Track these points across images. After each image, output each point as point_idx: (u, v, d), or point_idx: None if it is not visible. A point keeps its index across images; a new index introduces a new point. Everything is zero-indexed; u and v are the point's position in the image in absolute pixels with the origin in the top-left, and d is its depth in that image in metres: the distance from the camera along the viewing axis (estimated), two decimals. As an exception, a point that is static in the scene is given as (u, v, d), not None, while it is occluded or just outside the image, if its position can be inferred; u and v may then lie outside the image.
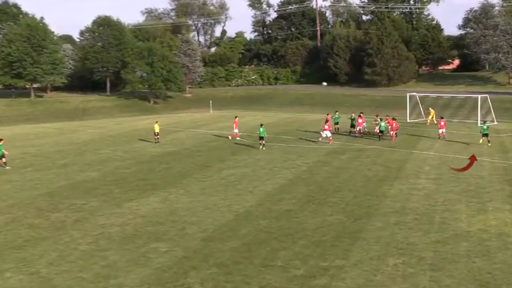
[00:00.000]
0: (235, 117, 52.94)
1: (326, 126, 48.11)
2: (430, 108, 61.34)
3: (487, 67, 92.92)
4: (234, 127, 51.88)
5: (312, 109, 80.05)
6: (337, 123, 55.19)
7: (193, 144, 49.05)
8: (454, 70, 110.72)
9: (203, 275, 18.78)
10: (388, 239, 21.93)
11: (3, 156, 39.13)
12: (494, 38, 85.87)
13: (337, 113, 57.02)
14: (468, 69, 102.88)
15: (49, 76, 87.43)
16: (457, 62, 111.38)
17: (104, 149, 47.39)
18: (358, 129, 51.95)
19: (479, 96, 60.08)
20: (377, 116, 53.01)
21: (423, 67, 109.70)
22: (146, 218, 25.72)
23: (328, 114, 53.01)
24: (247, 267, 19.40)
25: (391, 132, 48.80)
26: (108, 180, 34.51)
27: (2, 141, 39.77)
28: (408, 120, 61.82)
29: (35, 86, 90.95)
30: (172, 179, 34.50)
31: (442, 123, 48.90)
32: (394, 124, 49.06)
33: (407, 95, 65.57)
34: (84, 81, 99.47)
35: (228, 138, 51.49)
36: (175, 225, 24.52)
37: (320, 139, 47.58)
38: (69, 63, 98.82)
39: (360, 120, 51.98)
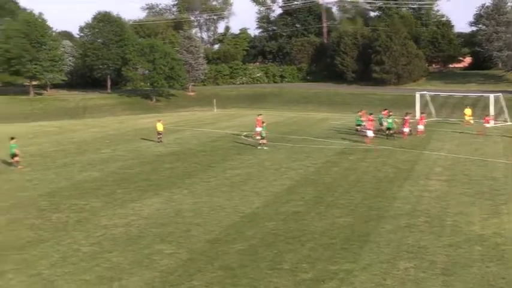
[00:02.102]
0: (259, 115, 51.06)
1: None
2: (467, 107, 60.69)
3: (500, 65, 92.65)
4: (257, 125, 49.33)
5: (318, 108, 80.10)
6: (358, 125, 53.63)
7: (197, 144, 49.14)
8: (465, 68, 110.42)
9: (208, 278, 18.80)
10: (398, 242, 21.92)
11: (15, 155, 39.03)
12: (507, 35, 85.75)
13: (358, 113, 55.49)
14: (480, 67, 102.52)
15: (48, 73, 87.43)
16: (468, 59, 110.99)
17: (105, 148, 47.56)
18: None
19: (492, 95, 60.07)
20: (387, 111, 53.35)
21: (433, 65, 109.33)
22: (150, 219, 25.80)
23: (371, 114, 51.92)
24: (254, 270, 19.42)
25: (405, 130, 49.35)
26: (110, 180, 34.63)
27: (14, 140, 39.61)
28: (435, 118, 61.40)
29: (34, 83, 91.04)
30: (176, 179, 34.58)
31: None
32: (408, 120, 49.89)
33: (417, 93, 65.52)
34: (84, 78, 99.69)
35: (247, 138, 51.49)
36: (179, 226, 24.58)
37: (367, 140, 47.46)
38: (69, 60, 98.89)
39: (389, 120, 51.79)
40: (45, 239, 23.25)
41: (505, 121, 58.85)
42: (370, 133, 47.55)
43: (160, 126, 50.52)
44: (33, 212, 27.41)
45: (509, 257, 20.21)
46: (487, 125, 54.48)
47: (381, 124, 52.25)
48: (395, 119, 49.87)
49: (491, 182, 31.87)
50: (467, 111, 59.19)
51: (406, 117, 50.34)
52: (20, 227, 24.98)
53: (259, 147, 45.16)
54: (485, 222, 24.32)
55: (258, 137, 47.08)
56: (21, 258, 20.92)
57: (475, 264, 19.58)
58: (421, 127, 51.80)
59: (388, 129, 49.02)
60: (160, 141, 49.80)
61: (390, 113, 51.91)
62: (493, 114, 57.95)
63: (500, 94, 61.60)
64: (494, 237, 22.33)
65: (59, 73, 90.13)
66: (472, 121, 57.97)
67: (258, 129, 48.44)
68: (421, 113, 55.30)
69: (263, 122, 46.97)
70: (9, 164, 39.50)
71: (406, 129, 49.76)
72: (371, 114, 52.39)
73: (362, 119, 52.97)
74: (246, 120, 67.54)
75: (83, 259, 20.75)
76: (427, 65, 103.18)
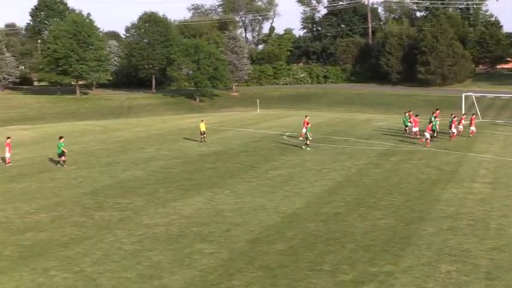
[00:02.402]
0: (306, 116, 50.47)
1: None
2: None
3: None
4: (304, 126, 48.67)
5: (363, 109, 79.67)
6: (406, 126, 53.33)
7: (240, 144, 49.35)
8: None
9: (248, 278, 18.90)
10: (440, 245, 21.69)
11: (63, 154, 39.64)
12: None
13: (406, 114, 54.93)
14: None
15: (94, 73, 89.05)
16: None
17: (148, 148, 48.11)
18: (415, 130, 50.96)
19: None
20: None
21: (480, 66, 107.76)
22: (191, 219, 26.00)
23: (417, 116, 52.24)
24: (294, 270, 19.44)
25: (453, 130, 48.94)
26: (153, 179, 35.02)
27: (63, 139, 40.19)
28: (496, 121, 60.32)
29: (81, 83, 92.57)
30: (218, 179, 34.77)
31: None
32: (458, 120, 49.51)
33: (463, 95, 64.65)
34: (129, 78, 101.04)
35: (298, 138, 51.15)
36: (220, 226, 24.72)
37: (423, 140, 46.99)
38: (115, 60, 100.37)
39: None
40: (88, 236, 23.64)
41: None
42: (427, 135, 46.46)
43: (203, 126, 50.88)
44: (77, 210, 27.88)
45: (554, 262, 19.89)
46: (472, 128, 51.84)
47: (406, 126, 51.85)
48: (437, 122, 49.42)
49: (538, 185, 31.34)
50: None
51: (453, 119, 49.78)
52: (64, 224, 25.44)
53: (303, 147, 45.12)
54: (530, 226, 23.94)
55: (301, 138, 46.82)
56: (65, 255, 21.31)
57: (519, 269, 19.31)
58: (473, 128, 51.03)
59: (432, 131, 48.50)
60: (204, 140, 50.15)
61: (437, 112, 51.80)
62: None
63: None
64: (540, 241, 21.98)
65: (104, 73, 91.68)
66: None
67: (304, 130, 48.19)
68: (472, 114, 54.34)
69: (308, 123, 46.91)
70: (56, 162, 40.27)
71: (454, 130, 49.17)
72: (417, 115, 52.01)
73: (409, 120, 52.57)
74: (289, 121, 67.63)
75: (124, 257, 21.05)
76: (473, 65, 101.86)
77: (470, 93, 66.11)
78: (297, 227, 24.25)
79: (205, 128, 51.42)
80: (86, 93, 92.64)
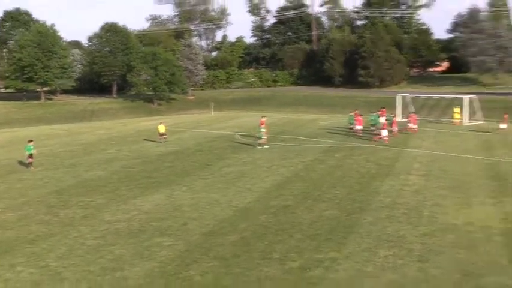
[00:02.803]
0: (263, 116, 50.12)
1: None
2: (456, 107, 60.32)
3: (474, 69, 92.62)
4: (260, 126, 48.36)
5: (308, 110, 79.91)
6: (351, 124, 53.22)
7: (195, 144, 49.10)
8: (443, 72, 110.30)
9: (204, 268, 18.87)
10: (379, 232, 22.02)
11: (31, 156, 38.78)
12: (481, 42, 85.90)
13: (351, 113, 54.95)
14: (457, 71, 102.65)
15: (58, 80, 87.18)
16: (446, 64, 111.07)
17: (110, 149, 47.47)
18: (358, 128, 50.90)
19: (467, 96, 60.34)
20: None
21: (414, 69, 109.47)
22: (150, 214, 25.80)
23: (361, 115, 52.43)
24: (246, 260, 19.49)
25: (394, 129, 49.48)
26: (115, 178, 34.61)
27: (32, 142, 39.35)
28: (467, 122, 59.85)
29: (45, 89, 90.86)
30: (176, 177, 34.57)
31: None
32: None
33: (399, 95, 65.54)
34: (91, 84, 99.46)
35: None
36: (178, 220, 24.60)
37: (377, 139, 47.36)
38: (78, 67, 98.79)
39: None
40: (53, 233, 23.25)
41: (478, 120, 59.01)
42: (384, 132, 46.59)
43: (162, 128, 50.54)
44: (43, 209, 27.39)
45: (478, 244, 20.39)
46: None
47: (373, 125, 52.23)
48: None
49: (464, 176, 32.04)
50: (457, 110, 59.39)
51: (394, 118, 50.48)
52: (30, 222, 24.97)
53: (258, 147, 45.13)
54: (458, 212, 24.48)
55: (265, 136, 46.35)
56: (31, 251, 20.93)
57: (448, 251, 19.74)
58: (413, 126, 51.75)
59: (372, 126, 49.08)
60: (165, 141, 49.73)
61: (377, 113, 52.60)
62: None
63: (475, 96, 61.76)
64: (466, 226, 22.50)
65: (68, 79, 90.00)
66: (460, 120, 58.19)
67: (263, 129, 48.18)
68: (412, 113, 55.18)
69: (262, 124, 46.67)
70: (26, 164, 39.27)
71: (395, 129, 49.77)
72: (361, 115, 52.50)
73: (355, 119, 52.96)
74: (241, 122, 67.67)
75: (87, 252, 20.78)
76: (408, 69, 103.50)
77: (406, 94, 67.02)
78: (249, 220, 24.30)
79: (165, 129, 51.09)
80: (50, 99, 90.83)
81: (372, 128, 51.56)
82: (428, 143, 45.70)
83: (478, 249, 19.89)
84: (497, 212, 24.41)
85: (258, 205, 26.85)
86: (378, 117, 52.55)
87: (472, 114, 59.53)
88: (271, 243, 21.18)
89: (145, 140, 53.03)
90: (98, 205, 27.84)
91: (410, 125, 51.81)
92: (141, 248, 21.08)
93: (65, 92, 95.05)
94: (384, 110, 54.33)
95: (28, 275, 18.67)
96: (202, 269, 18.77)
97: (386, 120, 51.29)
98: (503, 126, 51.65)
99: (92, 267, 19.24)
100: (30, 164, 38.58)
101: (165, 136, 50.39)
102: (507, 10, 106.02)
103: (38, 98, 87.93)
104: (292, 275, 18.12)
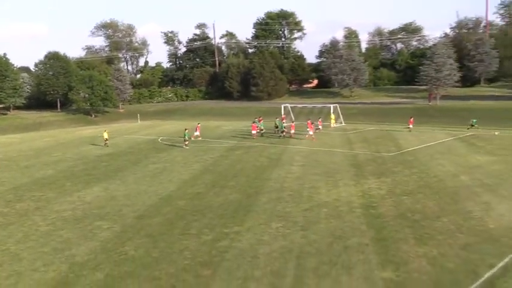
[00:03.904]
0: (198, 123, 50.39)
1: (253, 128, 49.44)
2: (332, 113, 60.46)
3: (336, 85, 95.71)
4: (196, 130, 50.76)
5: (214, 118, 79.63)
6: (277, 127, 51.96)
7: (127, 147, 47.72)
8: (314, 87, 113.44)
9: (136, 244, 18.51)
10: (271, 210, 22.38)
11: None
12: (340, 64, 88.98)
13: (277, 119, 54.44)
14: (324, 86, 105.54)
15: (11, 98, 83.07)
16: (316, 81, 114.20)
17: (57, 153, 45.24)
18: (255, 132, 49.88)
19: (331, 105, 62.43)
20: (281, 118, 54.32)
21: (292, 85, 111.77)
22: (92, 204, 24.94)
23: (254, 122, 52.10)
24: (170, 236, 19.28)
25: (310, 133, 46.66)
26: (61, 176, 33.10)
27: None
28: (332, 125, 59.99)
29: (0, 106, 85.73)
30: (111, 173, 33.57)
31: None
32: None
33: (282, 105, 66.65)
34: (39, 101, 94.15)
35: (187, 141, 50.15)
36: (114, 207, 23.93)
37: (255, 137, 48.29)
38: (27, 88, 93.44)
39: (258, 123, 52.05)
40: (11, 222, 22.06)
41: (341, 123, 61.18)
42: (310, 132, 45.90)
43: (106, 134, 49.06)
44: (2, 203, 25.88)
45: (344, 215, 21.17)
46: (320, 127, 53.62)
47: (276, 127, 51.91)
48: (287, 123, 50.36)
49: (333, 165, 33.12)
50: (332, 116, 60.79)
51: (308, 122, 47.86)
52: (-11, 215, 23.43)
53: (185, 147, 44.20)
54: (329, 192, 25.30)
55: (200, 139, 45.34)
56: (-9, 239, 19.67)
57: (323, 221, 20.37)
58: (309, 131, 46.76)
59: (276, 127, 49.72)
60: (107, 145, 47.92)
61: (261, 119, 53.07)
62: (321, 118, 57.76)
63: (337, 105, 63.99)
64: (335, 202, 23.30)
65: (19, 98, 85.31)
66: (335, 124, 59.60)
67: (196, 133, 48.84)
68: (308, 119, 52.30)
69: (186, 129, 45.77)
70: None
71: (311, 132, 46.73)
72: (254, 122, 52.60)
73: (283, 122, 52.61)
74: (162, 129, 66.44)
75: (41, 236, 19.88)
76: (288, 85, 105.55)
77: (287, 104, 68.23)
78: (171, 205, 24.00)
79: (108, 135, 49.42)
80: (5, 114, 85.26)
81: (276, 129, 51.95)
82: (306, 141, 46.63)
83: (344, 219, 20.65)
84: (357, 191, 25.45)
85: (178, 193, 26.57)
86: (281, 121, 53.08)
87: (337, 119, 61.54)
88: (189, 222, 21.03)
89: (86, 144, 50.86)
90: (48, 198, 26.62)
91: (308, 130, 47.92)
92: (85, 231, 20.38)
93: (17, 108, 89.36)
94: (261, 118, 54.72)
95: (-11, 259, 17.51)
96: (135, 245, 18.38)
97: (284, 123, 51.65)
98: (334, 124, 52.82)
99: (45, 248, 18.45)
100: None
101: (106, 141, 48.60)
102: (358, 41, 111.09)
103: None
104: (206, 246, 18.09)
